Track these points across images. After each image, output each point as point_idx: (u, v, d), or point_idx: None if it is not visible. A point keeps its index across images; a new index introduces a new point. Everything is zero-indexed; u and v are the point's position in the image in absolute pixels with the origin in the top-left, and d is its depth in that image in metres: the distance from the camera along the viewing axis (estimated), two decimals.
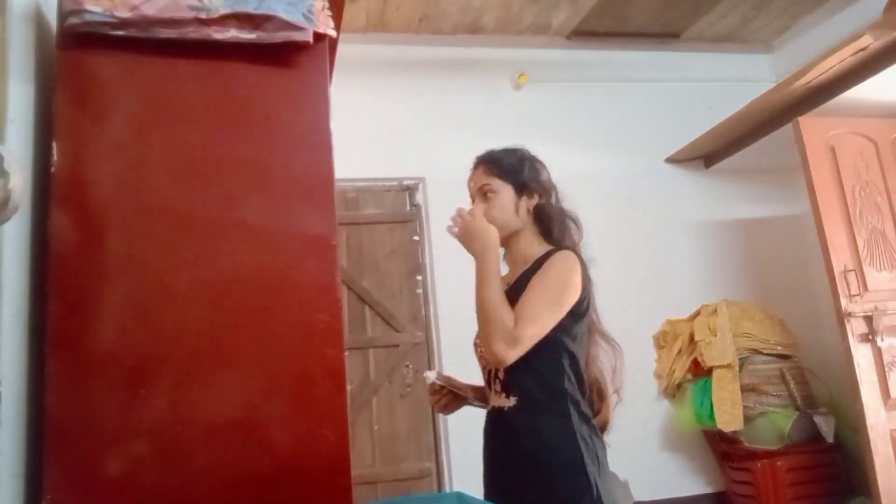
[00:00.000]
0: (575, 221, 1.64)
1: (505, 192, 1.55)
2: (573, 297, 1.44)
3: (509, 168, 1.57)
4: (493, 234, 1.48)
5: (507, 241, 1.57)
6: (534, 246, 1.56)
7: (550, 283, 1.43)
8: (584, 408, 1.45)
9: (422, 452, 3.61)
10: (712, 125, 3.76)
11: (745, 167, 4.13)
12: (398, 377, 3.66)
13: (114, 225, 1.23)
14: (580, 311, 1.46)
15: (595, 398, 1.51)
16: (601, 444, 1.46)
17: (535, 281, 1.43)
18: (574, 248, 1.56)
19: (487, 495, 1.49)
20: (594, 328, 1.56)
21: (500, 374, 1.47)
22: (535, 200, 1.58)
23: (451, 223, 1.52)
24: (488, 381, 1.54)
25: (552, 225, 1.57)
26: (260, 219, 1.28)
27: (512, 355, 1.36)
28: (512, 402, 1.44)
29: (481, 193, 1.56)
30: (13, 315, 1.15)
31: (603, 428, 1.52)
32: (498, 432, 1.49)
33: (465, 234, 1.48)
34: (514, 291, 1.46)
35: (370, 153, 3.66)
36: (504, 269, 1.59)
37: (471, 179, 1.61)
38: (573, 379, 1.44)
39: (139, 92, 1.29)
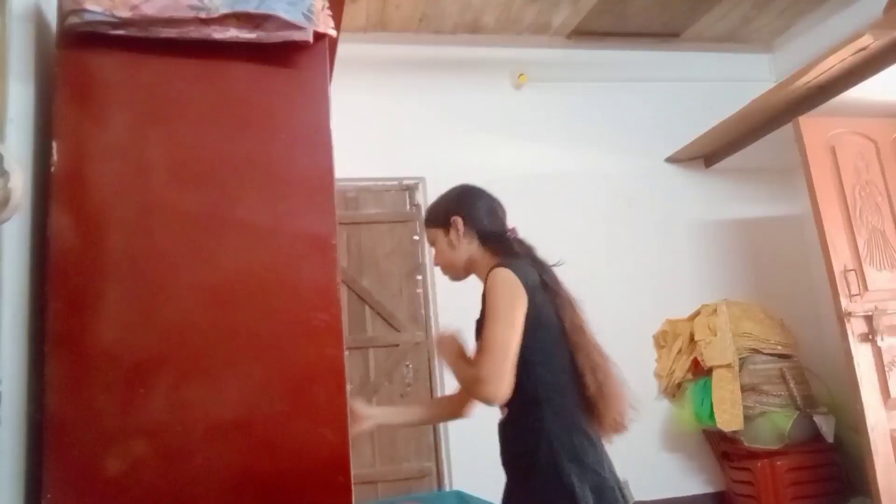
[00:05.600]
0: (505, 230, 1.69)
1: (439, 237, 1.68)
2: (521, 309, 1.44)
3: (433, 216, 1.70)
4: (439, 342, 1.57)
5: (470, 270, 1.67)
6: (485, 267, 1.59)
7: (496, 308, 1.44)
8: (569, 411, 1.47)
9: (422, 452, 3.61)
10: (712, 125, 3.76)
11: (745, 167, 4.13)
12: (398, 377, 3.66)
13: (114, 225, 1.23)
14: (538, 320, 1.46)
15: (597, 400, 1.50)
16: (589, 444, 1.46)
17: (487, 311, 1.45)
18: (510, 263, 1.53)
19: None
20: (577, 331, 1.53)
21: None
22: (465, 227, 1.64)
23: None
24: None
25: (489, 243, 1.64)
26: (260, 219, 1.28)
27: (492, 391, 1.37)
28: (505, 412, 1.52)
29: (431, 246, 1.72)
30: (13, 315, 1.15)
31: (612, 427, 1.52)
32: (500, 440, 1.58)
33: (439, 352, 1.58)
34: (480, 315, 1.54)
35: (370, 153, 3.66)
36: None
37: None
38: (551, 384, 1.47)
39: (139, 92, 1.29)
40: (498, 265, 1.50)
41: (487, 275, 1.51)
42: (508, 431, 1.53)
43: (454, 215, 1.65)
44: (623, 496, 1.45)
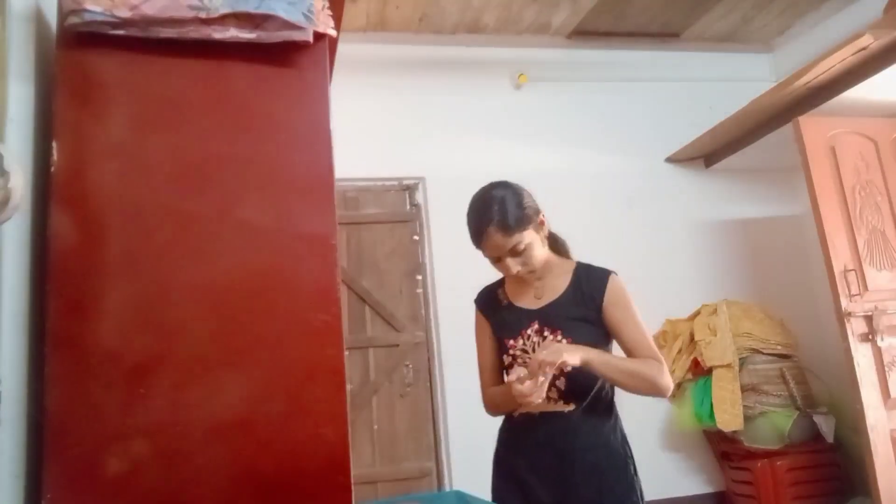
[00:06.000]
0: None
1: (533, 239, 1.59)
2: None
3: (523, 219, 1.56)
4: (567, 347, 1.50)
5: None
6: (557, 262, 1.68)
7: (633, 309, 1.63)
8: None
9: (422, 452, 3.61)
10: (712, 125, 3.76)
11: (745, 167, 4.13)
12: (398, 377, 3.66)
13: (114, 225, 1.23)
14: None
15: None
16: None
17: (624, 316, 1.61)
18: (571, 256, 1.75)
19: (532, 492, 1.57)
20: None
21: (558, 384, 1.57)
22: (546, 227, 1.66)
23: (544, 369, 1.44)
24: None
25: (558, 242, 1.73)
26: (260, 219, 1.28)
27: (670, 380, 1.59)
28: (571, 407, 1.57)
29: (514, 253, 1.57)
30: (13, 315, 1.15)
31: None
32: (556, 434, 1.58)
33: (558, 356, 1.45)
34: (563, 306, 1.60)
35: (370, 153, 3.66)
36: (524, 294, 1.68)
37: (488, 245, 1.56)
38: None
39: (139, 92, 1.29)
40: (605, 270, 1.64)
41: (604, 276, 1.61)
42: (580, 424, 1.57)
43: (541, 212, 1.63)
44: None
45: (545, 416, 1.57)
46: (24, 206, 1.07)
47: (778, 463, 3.36)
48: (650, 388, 1.55)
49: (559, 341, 1.54)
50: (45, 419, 1.13)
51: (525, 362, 1.53)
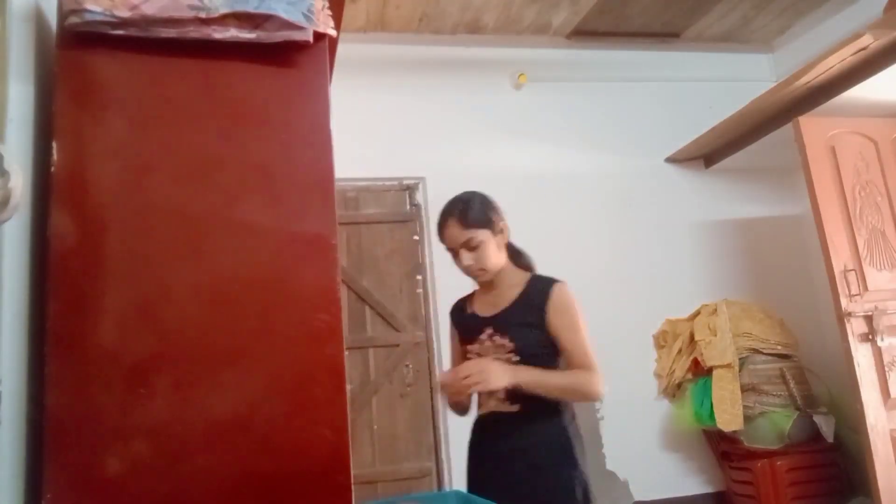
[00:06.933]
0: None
1: (488, 239, 1.73)
2: None
3: (483, 218, 1.74)
4: (497, 365, 1.63)
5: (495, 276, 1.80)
6: (513, 273, 1.80)
7: (577, 318, 1.70)
8: (571, 410, 1.73)
9: (422, 452, 3.61)
10: (712, 125, 3.76)
11: (745, 167, 4.13)
12: (398, 377, 3.66)
13: (114, 225, 1.23)
14: None
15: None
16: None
17: (563, 322, 1.68)
18: (535, 271, 1.85)
19: (479, 487, 1.69)
20: None
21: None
22: (505, 236, 1.79)
23: (468, 387, 1.61)
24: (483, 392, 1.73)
25: (521, 256, 1.86)
26: (260, 219, 1.28)
27: (603, 385, 1.65)
28: (516, 408, 1.67)
29: (467, 247, 1.73)
30: (13, 315, 1.15)
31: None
32: (500, 433, 1.71)
33: (486, 379, 1.59)
34: (513, 313, 1.72)
35: (370, 153, 3.66)
36: (484, 304, 1.82)
37: (446, 235, 1.75)
38: None
39: (139, 92, 1.29)
40: (552, 279, 1.74)
41: (548, 285, 1.71)
42: (522, 424, 1.67)
43: (502, 221, 1.77)
44: None
45: (494, 416, 1.71)
46: (24, 206, 1.07)
47: (778, 463, 3.36)
48: (581, 398, 1.69)
49: (508, 345, 1.68)
50: (45, 419, 1.13)
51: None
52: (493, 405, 1.72)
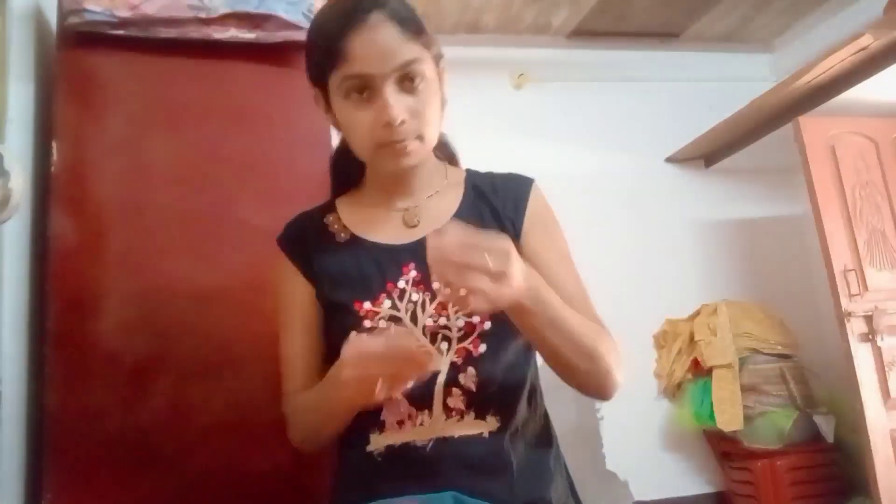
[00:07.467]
0: None
1: (432, 78, 0.94)
2: None
3: (424, 31, 0.94)
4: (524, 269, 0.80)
5: (423, 158, 1.01)
6: (439, 169, 1.10)
7: (563, 241, 1.01)
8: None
9: None
10: (712, 125, 3.76)
11: (745, 167, 4.13)
12: None
13: (114, 225, 1.23)
14: None
15: None
16: None
17: (557, 248, 0.99)
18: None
19: None
20: None
21: (467, 384, 0.89)
22: (444, 83, 1.00)
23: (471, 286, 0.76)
24: (422, 395, 0.89)
25: (443, 141, 1.11)
26: (259, 219, 1.28)
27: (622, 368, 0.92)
28: (488, 426, 0.90)
29: (405, 80, 0.90)
30: (13, 315, 1.15)
31: None
32: (468, 481, 0.86)
33: (508, 272, 0.75)
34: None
35: None
36: (383, 221, 1.02)
37: (365, 49, 0.88)
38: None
39: (139, 91, 1.30)
40: (520, 176, 1.08)
41: (526, 184, 1.06)
42: (505, 455, 0.91)
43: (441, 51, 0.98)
44: None
45: (441, 446, 0.88)
46: (24, 206, 1.07)
47: (778, 463, 3.36)
48: (595, 376, 0.89)
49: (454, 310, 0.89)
50: (45, 419, 1.13)
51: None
52: (443, 425, 0.88)
